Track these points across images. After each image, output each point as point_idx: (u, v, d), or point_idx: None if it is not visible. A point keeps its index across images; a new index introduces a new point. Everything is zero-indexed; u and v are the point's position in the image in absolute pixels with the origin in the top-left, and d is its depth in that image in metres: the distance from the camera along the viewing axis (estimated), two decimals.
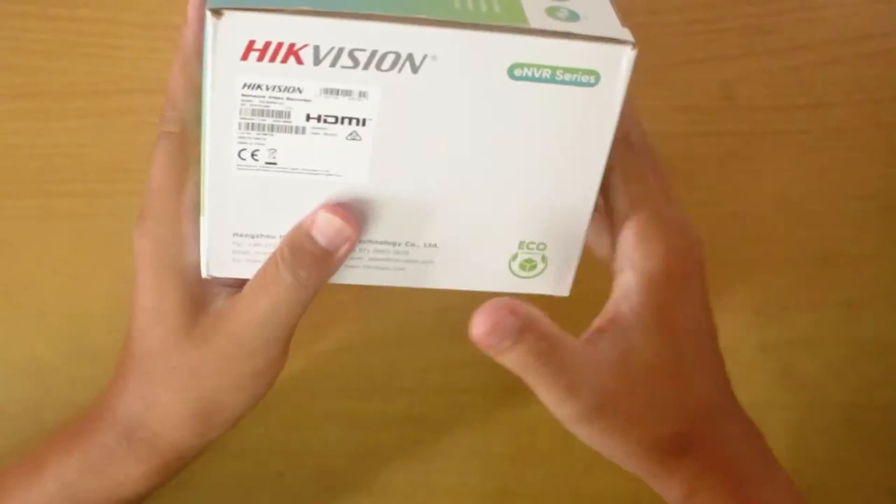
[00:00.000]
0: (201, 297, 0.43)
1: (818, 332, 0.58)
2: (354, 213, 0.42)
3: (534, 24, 0.38)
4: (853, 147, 0.61)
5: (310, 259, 0.41)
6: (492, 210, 0.43)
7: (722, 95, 0.60)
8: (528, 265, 0.44)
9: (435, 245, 0.44)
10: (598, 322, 0.42)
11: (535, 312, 0.39)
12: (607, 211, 0.44)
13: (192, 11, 0.44)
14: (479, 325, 0.38)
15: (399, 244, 0.43)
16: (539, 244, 0.44)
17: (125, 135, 0.58)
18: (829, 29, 0.62)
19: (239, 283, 0.44)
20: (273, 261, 0.42)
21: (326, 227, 0.41)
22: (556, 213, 0.43)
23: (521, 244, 0.44)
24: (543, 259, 0.44)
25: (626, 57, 0.39)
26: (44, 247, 0.55)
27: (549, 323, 0.39)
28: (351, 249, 0.42)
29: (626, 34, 0.39)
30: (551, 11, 0.39)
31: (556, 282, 0.45)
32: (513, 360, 0.39)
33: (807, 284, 0.59)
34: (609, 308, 0.42)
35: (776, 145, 0.60)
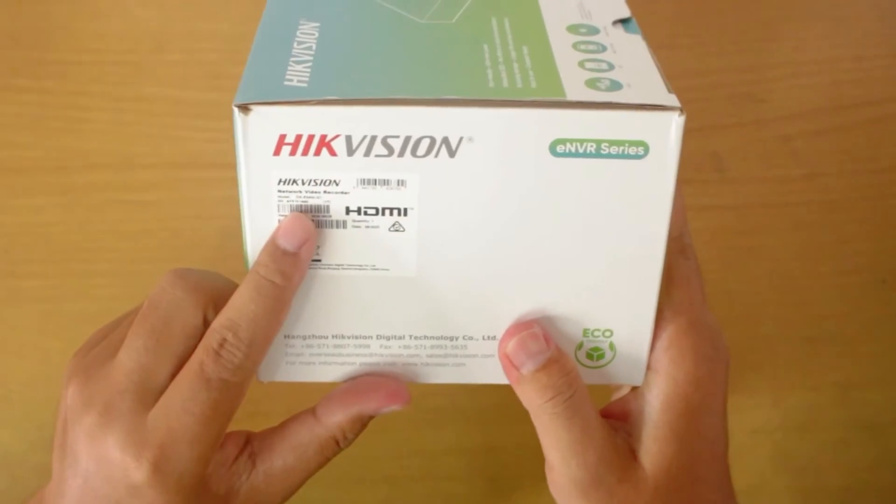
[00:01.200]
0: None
1: (811, 413, 0.62)
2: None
3: (572, 97, 0.40)
4: (848, 220, 0.66)
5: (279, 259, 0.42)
6: (549, 297, 0.44)
7: (713, 167, 0.66)
8: (596, 354, 0.45)
9: (494, 338, 0.45)
10: (612, 408, 0.47)
11: (564, 351, 0.43)
12: None
13: (301, 239, 0.42)
14: (510, 341, 0.43)
15: (457, 338, 0.45)
16: (605, 331, 0.45)
17: (93, 212, 0.62)
18: (822, 97, 0.67)
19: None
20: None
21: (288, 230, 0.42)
22: (619, 297, 0.44)
23: (585, 332, 0.45)
24: (611, 347, 0.45)
25: (674, 124, 0.39)
26: (9, 330, 0.60)
27: (575, 367, 0.44)
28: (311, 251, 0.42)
29: (671, 99, 0.40)
30: (592, 83, 0.40)
31: (628, 370, 0.46)
32: (533, 389, 0.43)
33: (800, 364, 0.63)
34: (628, 398, 0.46)
35: (769, 219, 0.66)
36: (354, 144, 0.40)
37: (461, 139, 0.40)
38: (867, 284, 0.65)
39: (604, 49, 0.43)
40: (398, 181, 0.41)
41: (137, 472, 0.41)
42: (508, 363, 0.43)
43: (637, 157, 0.40)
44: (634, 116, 0.39)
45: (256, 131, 0.40)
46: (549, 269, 0.43)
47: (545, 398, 0.43)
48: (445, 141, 0.40)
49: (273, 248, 0.41)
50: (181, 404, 0.41)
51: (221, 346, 0.41)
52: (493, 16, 0.45)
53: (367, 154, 0.40)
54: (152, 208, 0.63)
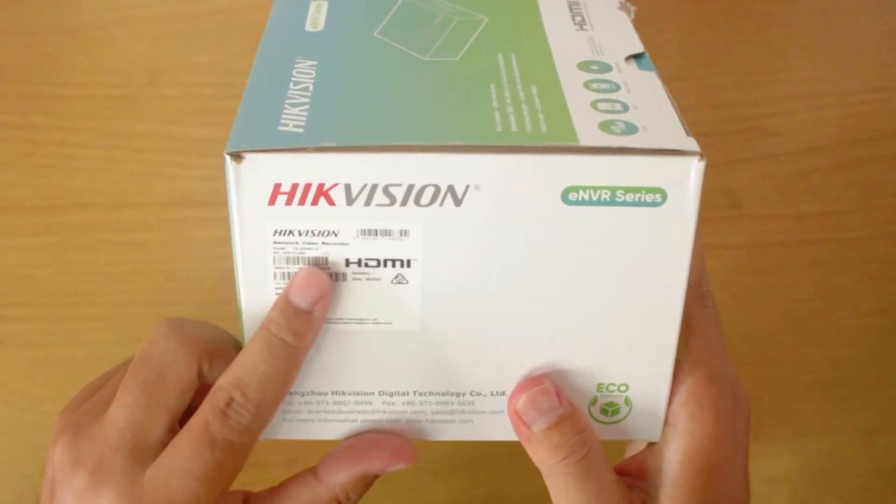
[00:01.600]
0: None
1: (832, 460, 0.63)
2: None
3: (585, 142, 0.39)
4: (868, 258, 0.67)
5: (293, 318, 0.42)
6: (561, 350, 0.44)
7: (728, 204, 0.67)
8: (611, 409, 0.45)
9: (503, 393, 0.45)
10: (627, 465, 0.47)
11: (577, 407, 0.43)
12: None
13: (315, 296, 0.42)
14: (519, 397, 0.43)
15: (463, 394, 0.45)
16: (620, 385, 0.45)
17: (83, 254, 0.63)
18: (840, 130, 0.68)
19: None
20: None
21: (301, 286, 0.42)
22: (635, 350, 0.44)
23: (599, 386, 0.44)
24: (627, 402, 0.45)
25: (693, 170, 0.39)
26: None
27: (589, 424, 0.44)
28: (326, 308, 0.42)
29: (691, 144, 0.39)
30: (605, 125, 0.40)
31: (645, 425, 0.45)
32: (545, 448, 0.43)
33: (819, 409, 0.64)
34: (644, 455, 0.46)
35: (786, 257, 0.66)
36: (354, 193, 0.40)
37: (467, 187, 0.40)
38: (889, 326, 0.66)
39: (617, 88, 0.43)
40: (401, 231, 0.41)
41: None
42: (518, 420, 0.43)
43: (654, 204, 0.40)
44: (651, 162, 0.39)
45: (250, 180, 0.39)
46: (561, 321, 0.43)
47: (558, 457, 0.43)
48: (451, 189, 0.40)
49: (285, 305, 0.41)
50: (182, 465, 0.41)
51: (228, 405, 0.41)
52: (499, 52, 0.45)
53: (367, 203, 0.40)
54: (144, 249, 0.64)
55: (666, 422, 0.45)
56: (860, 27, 0.70)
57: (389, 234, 0.41)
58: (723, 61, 0.69)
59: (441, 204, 0.40)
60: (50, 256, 0.63)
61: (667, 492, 0.44)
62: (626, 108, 0.41)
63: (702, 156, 0.39)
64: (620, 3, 0.51)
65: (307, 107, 0.41)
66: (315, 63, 0.45)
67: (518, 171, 0.39)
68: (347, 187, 0.39)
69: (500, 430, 0.45)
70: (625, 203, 0.40)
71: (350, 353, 0.44)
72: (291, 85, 0.43)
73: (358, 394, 0.45)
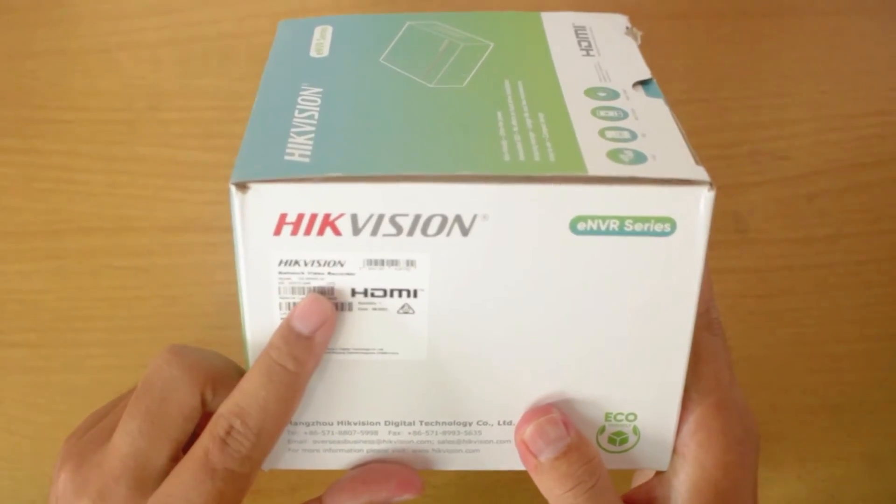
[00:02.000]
0: None
1: (840, 487, 0.62)
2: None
3: (593, 171, 0.39)
4: (875, 283, 0.66)
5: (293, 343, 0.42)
6: (569, 379, 0.43)
7: (734, 228, 0.66)
8: (619, 438, 0.45)
9: (510, 423, 0.44)
10: (635, 495, 0.46)
11: (585, 436, 0.43)
12: None
13: (317, 322, 0.42)
14: (526, 427, 0.43)
15: (470, 423, 0.45)
16: (629, 414, 0.44)
17: (84, 279, 0.63)
18: (846, 153, 0.68)
19: None
20: None
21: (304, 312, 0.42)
22: (643, 379, 0.43)
23: (607, 416, 0.44)
24: (635, 431, 0.45)
25: (703, 199, 0.39)
26: None
27: (597, 454, 0.43)
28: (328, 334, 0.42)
29: (700, 173, 0.39)
30: (614, 154, 0.40)
31: (653, 454, 0.45)
32: (552, 478, 0.42)
33: (826, 434, 0.64)
34: (652, 485, 0.46)
35: (792, 281, 0.66)
36: (360, 223, 0.39)
37: (475, 217, 0.39)
38: None
39: (625, 115, 0.43)
40: (407, 261, 0.40)
41: None
42: (526, 450, 0.43)
43: (663, 234, 0.40)
44: (661, 192, 0.39)
45: (255, 210, 0.39)
46: (569, 350, 0.43)
47: (565, 488, 0.42)
48: (458, 219, 0.39)
49: (287, 332, 0.41)
50: (184, 494, 0.40)
51: (228, 433, 0.40)
52: (505, 78, 0.45)
53: (374, 233, 0.40)
54: (146, 274, 0.63)
55: (674, 451, 0.45)
56: (867, 50, 0.70)
57: (396, 265, 0.40)
58: (729, 84, 0.69)
59: (448, 234, 0.40)
60: (51, 281, 0.63)
61: None
62: (634, 136, 0.41)
63: (711, 185, 0.39)
64: (627, 28, 0.50)
65: (312, 135, 0.41)
66: (320, 90, 0.45)
67: (526, 200, 0.39)
68: (354, 217, 0.39)
69: (507, 459, 0.45)
70: (634, 233, 0.40)
71: (356, 383, 0.43)
72: (297, 113, 0.43)
73: (364, 423, 0.44)
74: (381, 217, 0.39)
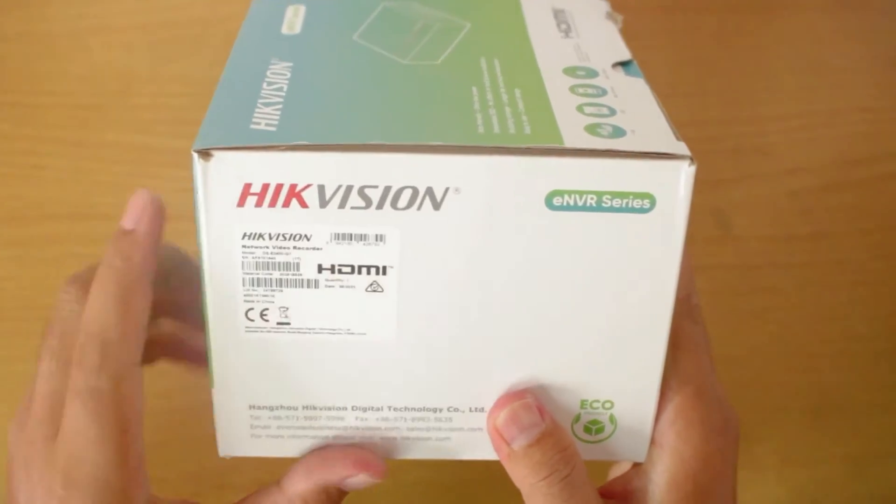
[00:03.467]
0: None
1: (821, 489, 0.61)
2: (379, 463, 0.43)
3: (570, 143, 0.38)
4: (859, 281, 0.66)
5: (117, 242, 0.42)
6: (543, 364, 0.42)
7: (716, 224, 0.66)
8: (595, 427, 0.43)
9: (483, 409, 0.43)
10: (612, 486, 0.45)
11: (560, 424, 0.42)
12: None
13: (138, 214, 0.42)
14: (499, 413, 0.41)
15: (441, 410, 0.43)
16: (605, 402, 0.43)
17: (49, 266, 0.61)
18: (830, 150, 0.67)
19: None
20: None
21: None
22: (620, 365, 0.42)
23: (583, 403, 0.43)
24: (612, 420, 0.43)
25: (683, 174, 0.38)
26: None
27: (572, 442, 0.42)
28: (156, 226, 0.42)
29: (680, 147, 0.38)
30: (592, 129, 0.39)
31: (630, 445, 0.44)
32: (526, 466, 0.41)
33: (808, 436, 0.63)
34: (629, 476, 0.44)
35: (775, 279, 0.65)
36: (328, 195, 0.38)
37: (447, 190, 0.38)
38: (880, 351, 0.65)
39: (604, 93, 0.41)
40: (376, 236, 0.39)
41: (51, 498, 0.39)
42: (498, 437, 0.42)
43: (642, 210, 0.38)
44: (639, 166, 0.37)
45: (218, 180, 0.38)
46: (544, 333, 0.41)
47: (539, 476, 0.41)
48: (429, 192, 0.38)
49: (114, 233, 0.41)
50: (74, 430, 0.39)
51: (80, 351, 0.40)
52: (482, 56, 0.44)
53: (341, 206, 0.38)
54: None
55: (653, 442, 0.43)
56: (851, 48, 0.69)
57: (364, 239, 0.39)
58: (712, 79, 0.69)
59: (419, 207, 0.38)
60: (14, 269, 0.61)
61: None
62: (613, 111, 0.40)
63: (692, 160, 0.37)
64: (607, 13, 0.49)
65: (281, 106, 0.39)
66: (290, 65, 0.43)
67: (500, 173, 0.38)
68: (321, 188, 0.38)
69: (479, 448, 0.43)
70: (612, 209, 0.38)
71: (322, 365, 0.42)
72: (265, 85, 0.41)
73: (330, 408, 0.43)
74: (349, 189, 0.38)
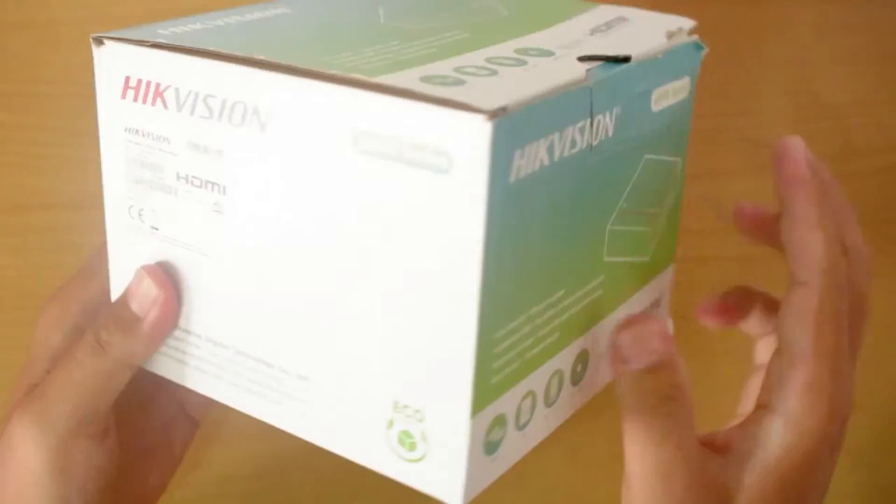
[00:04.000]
0: None
1: None
2: (172, 281, 0.41)
3: (380, 80, 0.34)
4: None
5: (113, 322, 0.43)
6: (358, 341, 0.37)
7: (716, 216, 0.65)
8: (407, 441, 0.37)
9: (306, 378, 0.39)
10: (714, 438, 0.44)
11: (678, 356, 0.41)
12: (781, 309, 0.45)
13: (148, 305, 0.42)
14: (627, 331, 0.40)
15: (273, 367, 0.39)
16: (416, 411, 0.36)
17: (48, 255, 0.61)
18: (831, 143, 0.67)
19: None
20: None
21: (135, 288, 0.42)
22: (428, 365, 0.35)
23: (396, 405, 0.37)
24: (423, 437, 0.36)
25: (477, 132, 0.32)
26: None
27: (688, 379, 0.41)
28: (163, 319, 0.42)
29: (487, 101, 0.32)
30: (431, 78, 0.34)
31: (442, 476, 0.36)
32: (635, 390, 0.40)
33: None
34: (734, 435, 0.43)
35: (776, 272, 0.65)
36: (182, 98, 0.38)
37: (269, 112, 0.36)
38: (881, 343, 0.64)
39: (521, 64, 0.37)
40: (217, 151, 0.38)
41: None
42: (617, 355, 0.40)
43: (440, 171, 0.33)
44: (434, 114, 0.32)
45: (107, 69, 0.40)
46: (354, 301, 0.36)
47: (647, 403, 0.40)
48: (256, 110, 0.36)
49: (114, 308, 0.43)
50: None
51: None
52: (460, 29, 0.41)
53: (192, 113, 0.38)
54: None
55: (776, 410, 0.42)
56: (851, 41, 0.69)
57: (208, 152, 0.38)
58: (712, 71, 0.68)
59: (248, 126, 0.37)
60: (13, 258, 0.61)
61: (752, 480, 0.42)
62: (492, 73, 0.35)
63: (494, 115, 0.31)
64: (675, 30, 0.45)
65: (213, 26, 0.40)
66: (287, 11, 0.44)
67: (309, 99, 0.35)
68: (177, 91, 0.38)
69: (305, 424, 0.39)
70: (411, 162, 0.33)
71: (185, 283, 0.41)
72: (229, 11, 0.43)
73: (189, 333, 0.41)
74: (196, 95, 0.38)
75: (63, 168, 0.62)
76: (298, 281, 0.38)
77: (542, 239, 0.36)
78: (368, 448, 0.38)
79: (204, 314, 0.41)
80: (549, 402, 0.40)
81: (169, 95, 0.38)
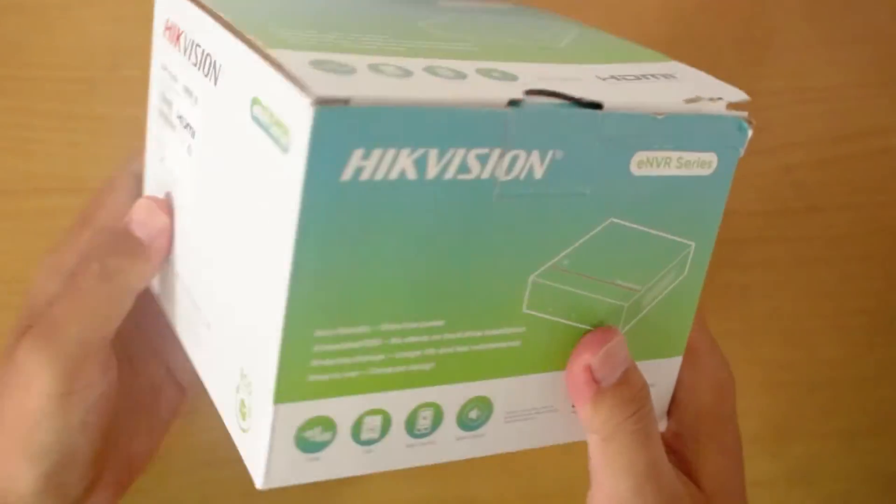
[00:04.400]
0: None
1: (815, 463, 0.62)
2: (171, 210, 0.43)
3: (271, 51, 0.34)
4: (853, 256, 0.66)
5: (121, 249, 0.44)
6: (228, 301, 0.38)
7: None
8: (242, 410, 0.37)
9: (209, 326, 0.40)
10: None
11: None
12: None
13: (155, 233, 0.44)
14: (595, 354, 0.39)
15: (199, 310, 0.41)
16: (249, 383, 0.37)
17: (40, 241, 0.59)
18: (825, 125, 0.67)
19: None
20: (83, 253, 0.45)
21: (139, 214, 0.44)
22: (258, 341, 0.36)
23: (241, 373, 0.37)
24: (249, 410, 0.37)
25: (304, 118, 0.31)
26: None
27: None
28: (167, 246, 0.44)
29: (324, 87, 0.31)
30: (325, 63, 0.34)
31: (252, 454, 0.37)
32: (615, 404, 0.40)
33: (802, 411, 0.63)
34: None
35: (768, 254, 0.65)
36: (186, 44, 0.41)
37: (221, 67, 0.37)
38: (873, 326, 0.65)
39: (458, 77, 0.35)
40: (195, 96, 0.40)
41: None
42: (588, 377, 0.40)
43: (283, 148, 0.33)
44: (280, 90, 0.32)
45: (158, 9, 0.45)
46: (226, 260, 0.37)
47: (626, 413, 0.40)
48: (213, 65, 0.38)
49: (119, 231, 0.45)
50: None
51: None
52: (478, 47, 0.40)
53: (188, 58, 0.41)
54: None
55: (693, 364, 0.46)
56: (845, 21, 0.69)
57: (190, 96, 0.41)
58: (705, 54, 0.68)
59: (209, 77, 0.38)
60: (4, 243, 0.61)
61: (696, 446, 0.46)
62: (408, 75, 0.34)
63: (324, 102, 0.31)
64: (690, 98, 0.40)
65: None
66: None
67: (238, 62, 0.36)
68: (185, 36, 0.41)
69: (206, 369, 0.41)
70: (271, 136, 0.34)
71: (175, 221, 0.44)
72: None
73: (178, 274, 0.44)
74: (193, 42, 0.40)
75: (54, 153, 0.62)
76: (204, 233, 0.40)
77: (398, 256, 0.35)
78: (227, 410, 0.39)
79: (185, 260, 0.43)
80: (415, 433, 0.39)
81: (182, 39, 0.41)
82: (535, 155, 0.35)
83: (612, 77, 0.39)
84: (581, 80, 0.38)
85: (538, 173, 0.35)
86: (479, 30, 0.43)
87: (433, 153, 0.33)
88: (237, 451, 0.38)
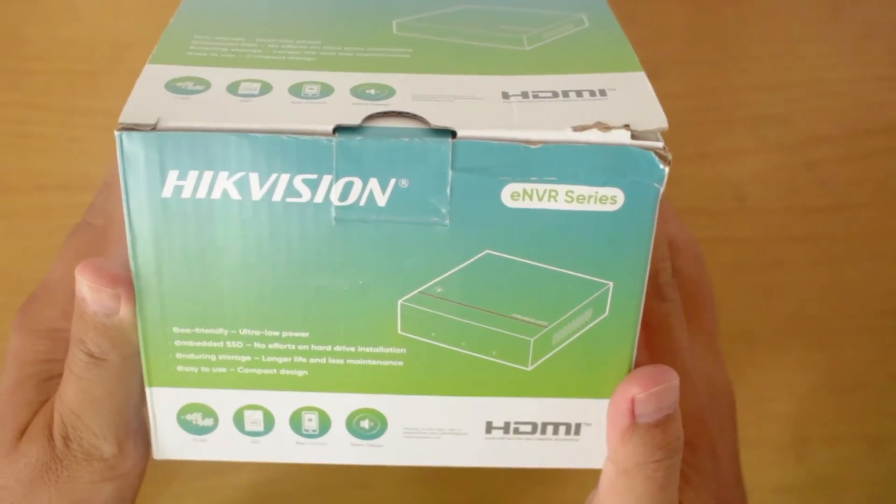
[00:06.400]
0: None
1: (840, 469, 0.61)
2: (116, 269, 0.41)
3: (150, 61, 0.39)
4: (879, 255, 0.65)
5: (88, 326, 0.41)
6: None
7: (731, 196, 0.65)
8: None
9: None
10: None
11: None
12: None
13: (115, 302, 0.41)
14: (647, 389, 0.39)
15: None
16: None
17: (39, 239, 0.61)
18: (851, 120, 0.66)
19: None
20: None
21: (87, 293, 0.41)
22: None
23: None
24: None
25: (118, 138, 0.36)
26: None
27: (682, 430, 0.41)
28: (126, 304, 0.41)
29: (147, 111, 0.35)
30: (181, 81, 0.38)
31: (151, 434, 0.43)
32: (643, 444, 0.39)
33: (827, 415, 0.62)
34: None
35: (792, 253, 0.65)
36: None
37: None
38: None
39: (325, 94, 0.37)
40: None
41: None
42: (627, 408, 0.39)
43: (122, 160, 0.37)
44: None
45: None
46: None
47: (652, 458, 0.40)
48: None
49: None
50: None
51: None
52: (423, 56, 0.40)
53: None
54: None
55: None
56: (871, 13, 0.68)
57: None
58: (729, 46, 0.68)
59: None
60: (3, 241, 0.61)
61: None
62: (267, 91, 0.37)
63: (129, 128, 0.35)
64: (582, 126, 0.36)
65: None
66: None
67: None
68: None
69: None
70: (120, 151, 0.37)
71: None
72: None
73: None
74: None
75: (53, 148, 0.61)
76: None
77: (237, 268, 0.38)
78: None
79: None
80: (302, 432, 0.42)
81: None
82: (374, 182, 0.35)
83: (524, 94, 0.37)
84: (482, 98, 0.37)
85: (380, 200, 0.36)
86: (453, 27, 0.43)
87: (254, 176, 0.35)
88: None
